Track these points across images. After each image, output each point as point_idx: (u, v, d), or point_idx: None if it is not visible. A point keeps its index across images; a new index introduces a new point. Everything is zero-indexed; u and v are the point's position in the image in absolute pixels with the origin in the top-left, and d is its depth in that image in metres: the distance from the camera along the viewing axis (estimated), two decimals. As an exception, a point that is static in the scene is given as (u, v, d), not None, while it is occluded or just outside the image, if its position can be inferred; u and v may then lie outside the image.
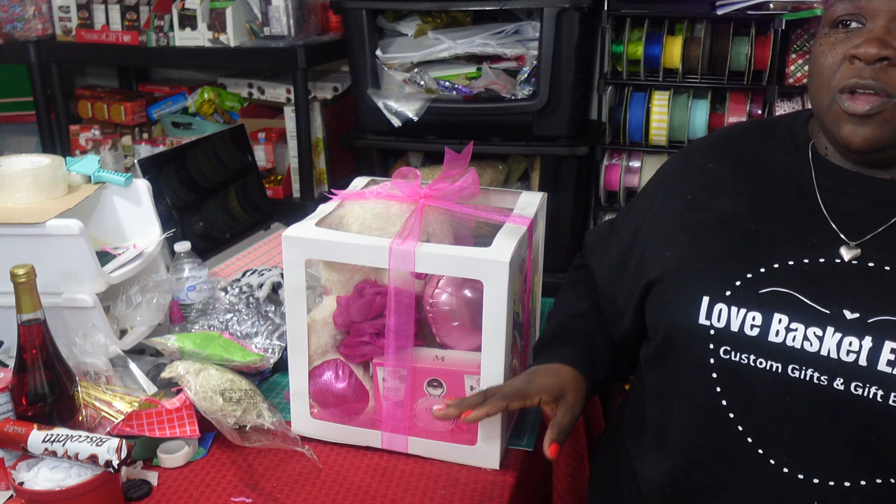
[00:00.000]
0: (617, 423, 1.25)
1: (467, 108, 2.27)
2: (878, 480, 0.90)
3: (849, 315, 0.88)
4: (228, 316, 1.51)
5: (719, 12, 2.17)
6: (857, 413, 0.89)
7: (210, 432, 1.24)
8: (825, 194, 0.96)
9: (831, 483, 0.92)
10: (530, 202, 1.30)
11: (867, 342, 0.86)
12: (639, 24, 2.36)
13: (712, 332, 0.96)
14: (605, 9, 2.29)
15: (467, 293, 1.18)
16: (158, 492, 1.15)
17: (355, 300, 1.20)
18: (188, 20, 2.52)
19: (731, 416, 0.96)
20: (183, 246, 1.60)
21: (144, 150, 2.78)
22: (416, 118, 2.27)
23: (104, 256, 1.48)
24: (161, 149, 2.56)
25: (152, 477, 1.17)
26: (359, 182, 1.36)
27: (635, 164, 2.44)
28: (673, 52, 2.31)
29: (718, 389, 0.97)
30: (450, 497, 1.14)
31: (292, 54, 2.42)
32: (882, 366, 0.85)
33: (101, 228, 1.57)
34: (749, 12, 2.15)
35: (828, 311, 0.90)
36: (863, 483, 0.91)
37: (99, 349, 1.34)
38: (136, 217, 1.56)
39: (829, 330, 0.89)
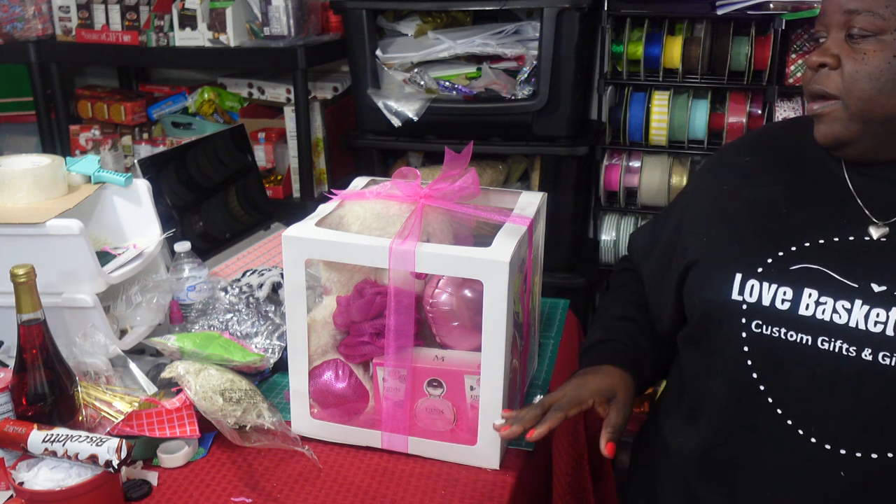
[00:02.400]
0: (654, 411, 1.30)
1: (467, 108, 2.27)
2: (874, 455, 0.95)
3: (876, 288, 0.93)
4: (228, 316, 1.51)
5: (719, 12, 2.17)
6: (884, 383, 0.92)
7: (210, 432, 1.24)
8: (855, 179, 1.02)
9: (858, 454, 0.95)
10: (530, 202, 1.30)
11: (894, 313, 0.91)
12: (639, 24, 2.36)
13: (744, 307, 1.01)
14: (605, 9, 2.29)
15: (467, 293, 1.18)
16: (158, 492, 1.15)
17: (355, 300, 1.20)
18: (188, 20, 2.52)
19: (762, 388, 1.00)
20: (183, 246, 1.60)
21: (144, 150, 2.78)
22: (416, 118, 2.27)
23: (104, 256, 1.48)
24: (161, 149, 2.56)
25: (152, 477, 1.17)
26: (359, 182, 1.36)
27: (635, 164, 2.44)
28: (673, 52, 2.31)
29: (750, 363, 1.01)
30: (450, 497, 1.14)
31: (292, 54, 2.42)
32: None
33: (101, 228, 1.57)
34: (749, 12, 2.15)
35: (856, 285, 0.94)
36: (889, 455, 0.94)
37: (99, 349, 1.34)
38: (136, 217, 1.56)
39: (858, 303, 0.93)
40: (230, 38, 2.49)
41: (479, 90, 2.29)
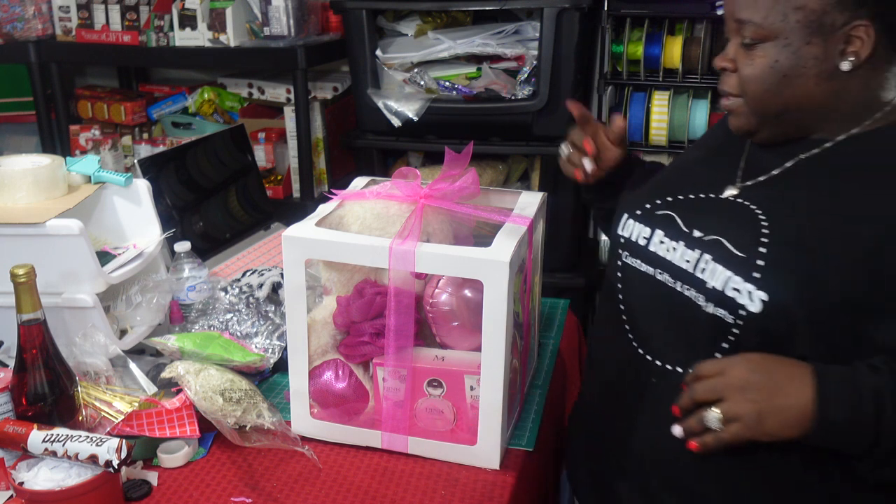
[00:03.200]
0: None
1: (467, 108, 2.27)
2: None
3: (696, 234, 1.11)
4: (228, 316, 1.51)
5: (719, 12, 2.16)
6: (685, 309, 1.09)
7: (210, 432, 1.24)
8: (750, 152, 1.18)
9: (679, 370, 1.10)
10: (530, 202, 1.30)
11: (696, 254, 1.09)
12: (639, 24, 2.36)
13: (622, 240, 1.21)
14: (605, 9, 2.29)
15: (467, 293, 1.18)
16: (158, 492, 1.15)
17: (355, 300, 1.20)
18: (188, 20, 2.52)
19: (624, 318, 1.18)
20: (183, 246, 1.60)
21: (144, 150, 2.78)
22: (416, 118, 2.27)
23: (104, 256, 1.48)
24: (161, 149, 2.56)
25: (152, 477, 1.17)
26: (359, 182, 1.36)
27: (635, 164, 2.44)
28: (673, 52, 2.31)
29: (620, 296, 1.20)
30: (450, 497, 1.14)
31: (292, 54, 2.42)
32: (698, 273, 1.07)
33: (101, 228, 1.57)
34: (749, 12, 2.15)
35: (687, 231, 1.12)
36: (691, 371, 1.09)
37: (99, 349, 1.34)
38: (136, 217, 1.56)
39: (682, 244, 1.11)
40: (230, 38, 2.49)
41: (479, 90, 2.29)
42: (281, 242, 1.18)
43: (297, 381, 1.24)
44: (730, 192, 1.13)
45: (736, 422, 0.97)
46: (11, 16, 2.64)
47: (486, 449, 1.18)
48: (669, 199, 1.19)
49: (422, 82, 2.31)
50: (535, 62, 2.24)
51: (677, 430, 1.03)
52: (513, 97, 2.25)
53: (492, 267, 1.09)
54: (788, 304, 0.99)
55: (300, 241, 1.17)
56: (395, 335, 1.16)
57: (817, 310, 0.99)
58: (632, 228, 1.19)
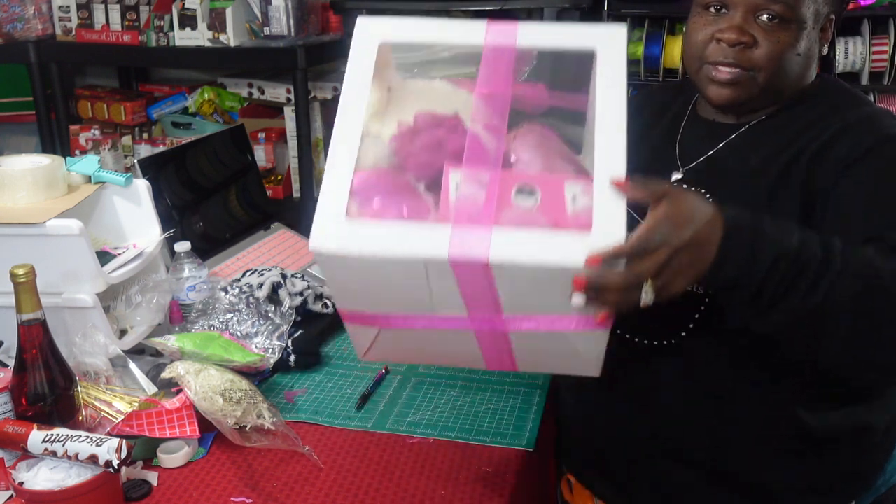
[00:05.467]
0: None
1: (467, 108, 2.26)
2: (672, 341, 1.18)
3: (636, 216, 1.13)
4: (228, 316, 1.51)
5: (719, 12, 2.17)
6: None
7: (210, 432, 1.24)
8: (685, 134, 1.25)
9: (655, 343, 1.18)
10: None
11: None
12: (639, 24, 2.36)
13: None
14: (605, 9, 2.29)
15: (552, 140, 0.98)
16: (158, 492, 1.15)
17: (417, 136, 0.96)
18: (188, 20, 2.51)
19: None
20: (183, 246, 1.60)
21: (144, 150, 2.78)
22: (416, 118, 2.27)
23: (104, 256, 1.48)
24: (161, 149, 2.56)
25: (152, 477, 1.17)
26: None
27: (635, 164, 2.43)
28: (673, 52, 2.31)
29: None
30: (450, 497, 1.14)
31: (292, 54, 2.41)
32: None
33: (101, 228, 1.57)
34: (749, 12, 2.15)
35: (641, 221, 1.12)
36: (665, 342, 1.18)
37: (99, 349, 1.34)
38: (136, 217, 1.56)
39: None
40: (230, 38, 2.49)
41: (479, 90, 2.28)
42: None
43: (335, 172, 0.90)
44: (675, 176, 1.21)
45: (664, 293, 0.93)
46: (11, 16, 2.64)
47: (603, 236, 0.86)
48: None
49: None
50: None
51: (578, 299, 0.87)
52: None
53: (607, 35, 0.96)
54: None
55: (376, 23, 0.98)
56: (487, 104, 0.94)
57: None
58: None
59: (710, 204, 0.94)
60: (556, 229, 0.87)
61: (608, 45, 0.96)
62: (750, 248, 0.93)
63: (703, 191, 1.15)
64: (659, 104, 1.33)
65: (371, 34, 0.96)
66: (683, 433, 1.21)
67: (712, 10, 1.14)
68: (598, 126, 0.92)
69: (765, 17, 1.10)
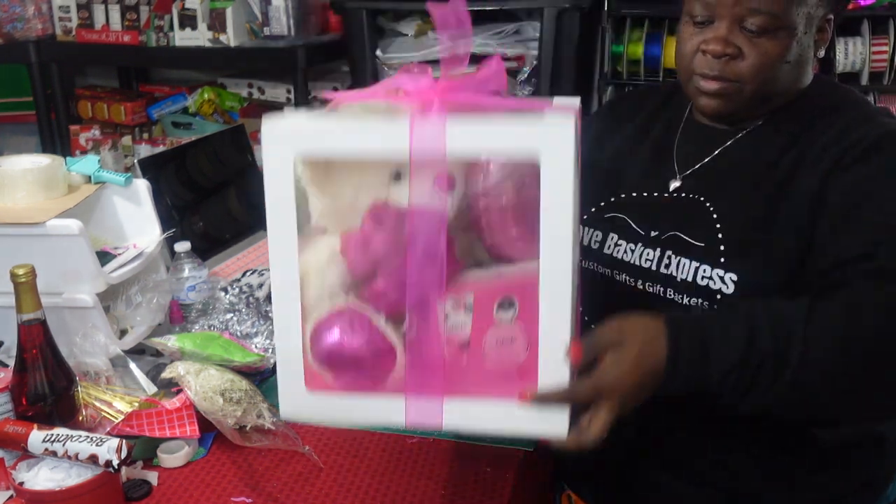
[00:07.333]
0: None
1: (467, 108, 2.26)
2: None
3: (653, 233, 1.16)
4: (228, 316, 1.51)
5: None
6: (649, 306, 1.09)
7: (210, 432, 1.24)
8: (681, 141, 1.22)
9: None
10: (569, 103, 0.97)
11: (657, 252, 1.14)
12: (639, 24, 2.36)
13: None
14: (605, 9, 2.29)
15: (520, 184, 0.89)
16: (158, 492, 1.15)
17: (376, 232, 0.89)
18: (188, 20, 2.52)
19: (586, 318, 1.18)
20: (183, 246, 1.60)
21: (144, 150, 2.78)
22: (416, 118, 2.27)
23: (104, 256, 1.48)
24: (161, 149, 2.56)
25: (152, 477, 1.17)
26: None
27: (635, 164, 2.44)
28: (673, 52, 2.31)
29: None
30: (450, 497, 1.14)
31: (292, 54, 2.42)
32: (663, 269, 1.13)
33: (101, 228, 1.57)
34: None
35: (643, 232, 1.17)
36: None
37: (99, 349, 1.34)
38: (136, 217, 1.56)
39: (640, 245, 1.16)
40: (230, 38, 2.49)
41: (479, 90, 2.28)
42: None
43: (286, 342, 0.90)
44: (674, 185, 1.19)
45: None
46: (11, 16, 2.64)
47: (548, 388, 0.88)
48: (613, 199, 1.22)
49: (422, 82, 2.31)
50: (535, 62, 2.24)
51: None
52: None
53: (551, 131, 0.82)
54: (759, 277, 1.08)
55: (285, 130, 0.85)
56: (425, 259, 0.86)
57: (788, 270, 1.07)
58: (581, 233, 1.19)
59: (652, 330, 0.92)
60: (504, 396, 0.89)
61: (553, 146, 0.83)
62: (699, 368, 0.92)
63: (701, 199, 1.14)
64: (651, 108, 1.31)
65: (283, 146, 0.86)
66: (690, 450, 1.18)
67: (699, 19, 1.12)
68: (542, 265, 0.86)
69: (752, 28, 1.07)
